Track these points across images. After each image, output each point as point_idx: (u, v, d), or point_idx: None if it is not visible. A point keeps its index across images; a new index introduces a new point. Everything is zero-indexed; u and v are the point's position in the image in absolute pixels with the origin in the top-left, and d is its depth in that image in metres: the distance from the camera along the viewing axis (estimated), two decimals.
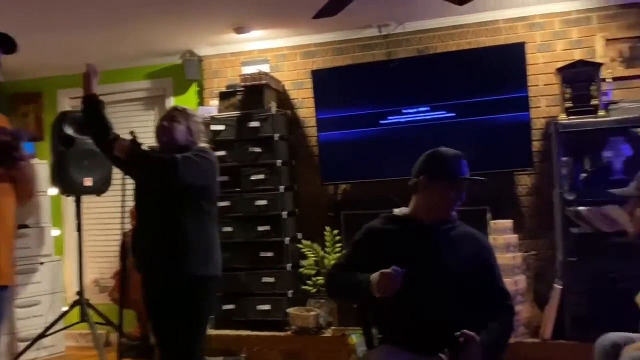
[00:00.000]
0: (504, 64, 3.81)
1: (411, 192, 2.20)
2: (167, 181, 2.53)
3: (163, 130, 2.68)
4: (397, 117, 3.99)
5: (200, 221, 2.60)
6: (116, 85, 4.73)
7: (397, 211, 2.25)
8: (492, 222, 3.72)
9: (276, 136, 4.04)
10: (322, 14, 2.97)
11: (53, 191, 4.32)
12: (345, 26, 4.07)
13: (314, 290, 4.04)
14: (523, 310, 3.49)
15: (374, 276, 1.96)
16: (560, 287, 3.42)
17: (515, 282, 3.43)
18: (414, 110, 3.97)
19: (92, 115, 2.69)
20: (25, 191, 2.34)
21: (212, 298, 2.73)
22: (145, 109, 4.81)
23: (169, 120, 2.69)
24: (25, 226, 4.22)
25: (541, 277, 3.81)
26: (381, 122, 4.01)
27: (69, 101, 4.87)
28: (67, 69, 4.74)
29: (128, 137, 2.64)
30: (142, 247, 2.65)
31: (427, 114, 3.96)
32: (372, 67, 4.10)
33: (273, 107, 4.07)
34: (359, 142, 4.07)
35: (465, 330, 1.89)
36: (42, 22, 3.68)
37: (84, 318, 4.09)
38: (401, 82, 3.99)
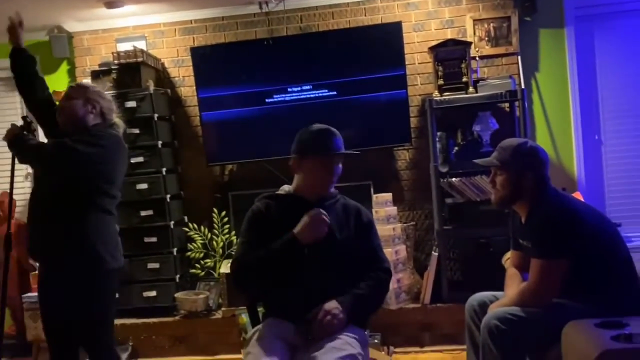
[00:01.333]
0: (382, 43, 3.84)
1: (292, 171, 2.15)
2: (42, 170, 2.34)
3: (58, 111, 2.43)
4: (282, 95, 3.90)
5: (98, 219, 2.37)
6: None
7: (280, 190, 2.20)
8: (374, 195, 3.77)
9: (156, 116, 3.79)
10: None
11: None
12: (226, 2, 3.90)
13: (203, 273, 3.90)
14: (404, 277, 3.60)
15: (299, 226, 1.97)
16: (437, 254, 3.55)
17: (396, 252, 3.52)
18: (298, 88, 3.90)
19: (22, 70, 2.53)
20: None
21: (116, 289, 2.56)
22: (10, 89, 4.32)
23: (64, 98, 2.43)
24: None
25: (420, 246, 3.96)
26: (267, 100, 3.90)
27: None
28: None
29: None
30: (42, 244, 2.37)
31: (310, 92, 3.91)
32: (254, 45, 3.96)
33: (151, 86, 3.81)
34: (244, 121, 3.93)
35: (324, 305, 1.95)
36: None
37: None
38: (284, 60, 3.90)
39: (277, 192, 2.19)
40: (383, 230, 3.43)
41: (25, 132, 2.39)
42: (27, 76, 2.56)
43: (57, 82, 4.16)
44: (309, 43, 3.94)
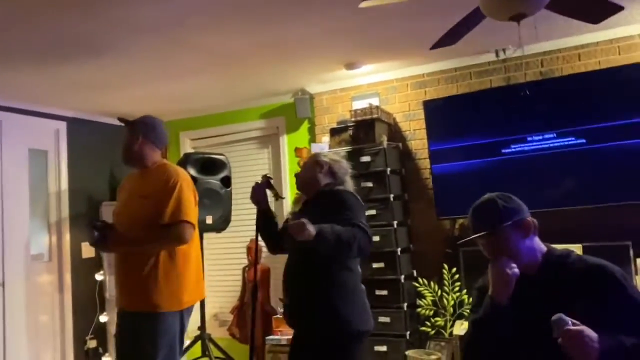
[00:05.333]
0: None
1: None
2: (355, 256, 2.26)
3: (297, 179, 2.51)
4: (520, 145, 3.43)
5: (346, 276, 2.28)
6: (232, 126, 4.62)
7: None
8: (638, 259, 3.02)
9: (388, 170, 3.63)
10: (440, 44, 2.58)
11: None
12: (459, 53, 3.62)
13: (433, 332, 3.52)
14: None
15: (490, 284, 1.62)
16: None
17: None
18: (539, 137, 3.38)
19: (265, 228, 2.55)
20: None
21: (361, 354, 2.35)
22: (259, 147, 4.63)
23: (303, 168, 2.52)
24: None
25: None
26: (503, 150, 3.46)
27: (190, 142, 4.83)
28: (188, 113, 4.74)
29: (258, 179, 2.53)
30: (293, 297, 2.34)
31: (554, 140, 3.36)
32: (490, 94, 3.59)
33: (384, 141, 3.68)
34: (477, 173, 3.54)
35: None
36: (164, 72, 3.63)
37: (205, 353, 3.89)
38: (523, 108, 3.43)
39: None
40: None
41: (269, 189, 2.48)
42: (268, 232, 2.55)
43: (299, 140, 4.31)
44: (554, 88, 3.42)
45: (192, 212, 2.39)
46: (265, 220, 2.50)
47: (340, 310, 2.21)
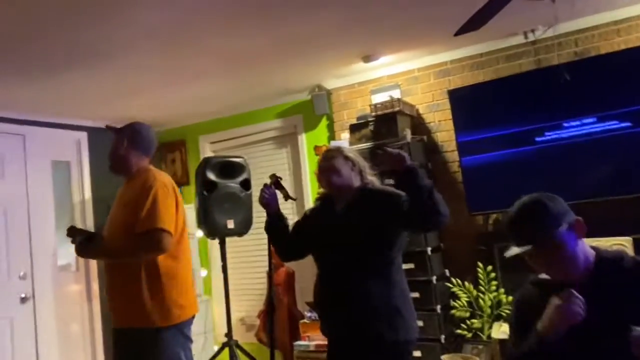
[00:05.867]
0: None
1: None
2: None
3: (327, 186, 2.21)
4: (556, 132, 3.15)
5: (388, 275, 2.10)
6: (250, 127, 4.47)
7: (542, 275, 1.54)
8: None
9: None
10: (465, 29, 2.36)
11: (199, 233, 4.09)
12: (485, 37, 3.35)
13: (470, 334, 3.30)
14: None
15: (545, 319, 1.38)
16: None
17: None
18: (578, 122, 3.10)
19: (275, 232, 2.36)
20: None
21: None
22: (278, 147, 4.47)
23: (324, 161, 2.22)
24: None
25: None
26: (537, 139, 3.19)
27: (209, 146, 4.71)
28: (205, 116, 4.61)
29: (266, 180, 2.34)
30: (343, 300, 2.11)
31: (594, 125, 3.07)
32: (521, 79, 3.31)
33: (408, 135, 3.45)
34: (510, 164, 3.28)
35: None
36: (179, 76, 3.51)
37: (232, 359, 3.77)
38: (558, 92, 3.14)
39: (537, 277, 1.53)
40: None
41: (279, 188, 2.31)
42: (278, 237, 2.35)
43: (318, 138, 4.13)
44: (592, 69, 3.12)
45: (169, 219, 2.19)
46: (275, 224, 2.30)
47: (403, 314, 2.06)
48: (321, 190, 2.30)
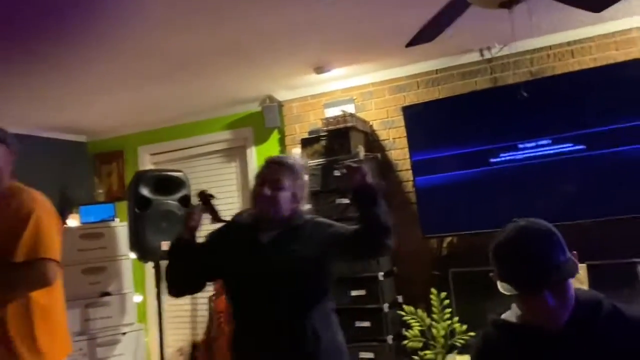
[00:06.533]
0: None
1: None
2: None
3: (267, 201, 1.78)
4: (511, 153, 3.03)
5: (329, 313, 1.83)
6: (195, 138, 4.16)
7: (509, 315, 1.29)
8: None
9: None
10: (417, 40, 2.21)
11: (134, 255, 3.73)
12: (441, 53, 3.23)
13: None
14: None
15: None
16: None
17: None
18: (532, 144, 2.99)
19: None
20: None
21: None
22: (226, 161, 4.17)
23: (274, 187, 1.79)
24: (107, 294, 3.65)
25: None
26: (492, 160, 3.06)
27: (149, 157, 4.36)
28: (146, 125, 4.27)
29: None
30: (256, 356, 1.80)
31: (549, 148, 2.97)
32: (476, 97, 3.19)
33: (361, 152, 3.25)
34: (465, 185, 3.14)
35: None
36: (115, 82, 3.18)
37: None
38: (513, 112, 3.04)
39: (503, 319, 1.28)
40: None
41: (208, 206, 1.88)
42: (181, 265, 1.86)
43: (269, 152, 3.87)
44: (546, 89, 3.03)
45: (56, 247, 1.86)
46: (186, 249, 1.82)
47: (343, 348, 1.83)
48: (246, 208, 1.94)
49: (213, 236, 1.91)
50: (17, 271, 1.79)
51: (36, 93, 3.23)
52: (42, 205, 1.89)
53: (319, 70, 3.29)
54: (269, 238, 1.79)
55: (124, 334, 3.65)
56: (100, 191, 4.35)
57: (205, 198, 1.88)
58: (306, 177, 1.91)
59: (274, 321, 1.75)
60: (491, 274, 1.22)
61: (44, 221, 1.85)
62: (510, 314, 1.28)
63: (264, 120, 3.80)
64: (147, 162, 4.30)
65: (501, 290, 1.18)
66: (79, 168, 4.43)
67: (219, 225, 1.93)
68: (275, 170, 1.81)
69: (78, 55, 2.69)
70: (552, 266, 1.13)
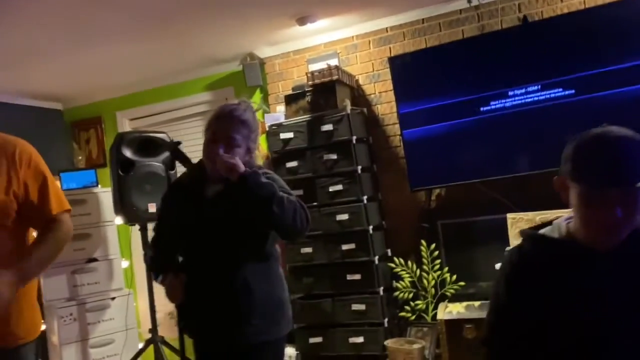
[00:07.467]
0: (635, 22, 2.71)
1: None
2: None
3: (217, 158, 1.67)
4: (501, 101, 2.96)
5: (268, 267, 1.76)
6: (174, 101, 4.02)
7: (550, 230, 1.22)
8: None
9: (354, 139, 3.12)
10: None
11: (118, 220, 3.62)
12: (426, 2, 3.12)
13: (413, 317, 3.08)
14: None
15: None
16: None
17: None
18: (522, 91, 2.92)
19: None
20: None
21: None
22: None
23: (227, 144, 1.70)
24: (94, 259, 3.56)
25: None
26: (482, 109, 2.99)
27: (129, 122, 4.21)
28: (123, 89, 4.10)
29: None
30: (195, 307, 1.77)
31: (539, 94, 2.91)
32: (463, 46, 3.10)
33: (348, 106, 3.16)
34: (453, 136, 3.07)
35: None
36: (82, 37, 2.97)
37: (158, 357, 3.36)
38: (503, 60, 2.96)
39: (544, 234, 1.21)
40: None
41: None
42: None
43: None
44: (533, 35, 2.95)
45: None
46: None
47: (287, 306, 1.80)
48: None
49: (166, 201, 1.88)
50: (53, 230, 1.65)
51: None
52: (31, 148, 1.73)
53: (302, 21, 3.16)
54: (214, 191, 1.74)
55: (113, 299, 3.58)
56: (80, 157, 4.20)
57: (173, 147, 1.83)
58: (258, 127, 1.82)
59: (209, 274, 1.72)
60: (555, 177, 1.13)
61: (45, 165, 1.70)
62: (551, 230, 1.20)
63: (245, 78, 3.67)
64: (126, 128, 4.14)
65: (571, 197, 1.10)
66: (57, 136, 4.26)
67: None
68: (227, 127, 1.70)
69: (41, 7, 2.48)
70: (638, 166, 1.04)
